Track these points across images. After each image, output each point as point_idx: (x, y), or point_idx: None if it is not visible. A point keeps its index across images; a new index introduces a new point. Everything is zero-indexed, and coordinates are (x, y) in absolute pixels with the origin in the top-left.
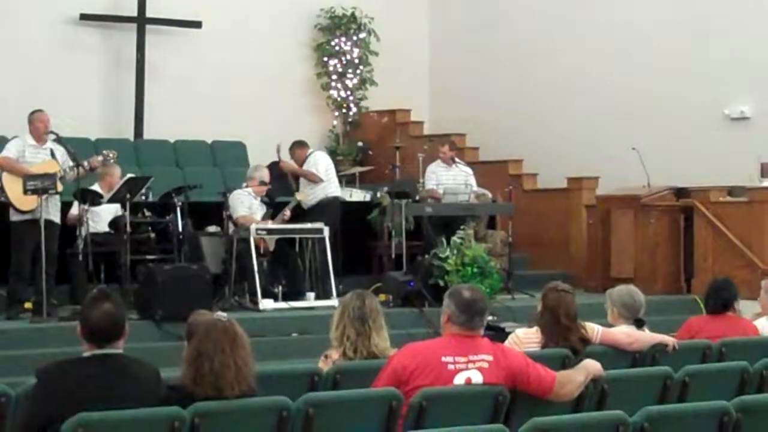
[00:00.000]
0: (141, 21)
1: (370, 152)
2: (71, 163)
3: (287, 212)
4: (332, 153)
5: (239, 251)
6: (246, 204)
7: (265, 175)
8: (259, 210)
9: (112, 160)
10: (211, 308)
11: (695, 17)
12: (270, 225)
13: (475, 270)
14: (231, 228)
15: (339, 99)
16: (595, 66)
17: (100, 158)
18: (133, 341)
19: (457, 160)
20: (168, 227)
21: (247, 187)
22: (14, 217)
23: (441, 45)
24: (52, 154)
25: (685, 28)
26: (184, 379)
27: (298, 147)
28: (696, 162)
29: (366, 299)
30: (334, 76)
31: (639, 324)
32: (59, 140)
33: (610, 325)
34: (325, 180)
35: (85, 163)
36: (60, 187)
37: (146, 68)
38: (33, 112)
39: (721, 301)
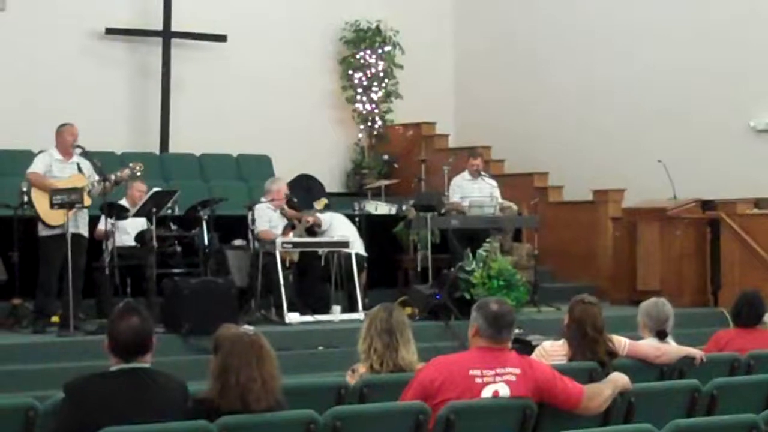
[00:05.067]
0: (166, 35)
1: (396, 165)
2: (97, 177)
3: (309, 219)
4: (357, 166)
5: (265, 264)
6: (265, 218)
7: (282, 187)
8: (279, 223)
9: (138, 173)
10: (237, 322)
11: (722, 29)
12: (295, 239)
13: (501, 283)
14: (256, 242)
15: (364, 112)
16: (621, 78)
17: (126, 171)
18: (160, 355)
19: (482, 172)
20: (194, 241)
21: (270, 200)
22: (43, 232)
23: (466, 57)
24: (79, 169)
25: (711, 40)
26: (210, 393)
27: None
28: (722, 174)
29: (393, 312)
30: (360, 90)
31: (661, 336)
32: (86, 154)
33: (639, 338)
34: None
35: (112, 177)
36: (88, 201)
37: (172, 82)
38: (62, 125)
39: (753, 314)
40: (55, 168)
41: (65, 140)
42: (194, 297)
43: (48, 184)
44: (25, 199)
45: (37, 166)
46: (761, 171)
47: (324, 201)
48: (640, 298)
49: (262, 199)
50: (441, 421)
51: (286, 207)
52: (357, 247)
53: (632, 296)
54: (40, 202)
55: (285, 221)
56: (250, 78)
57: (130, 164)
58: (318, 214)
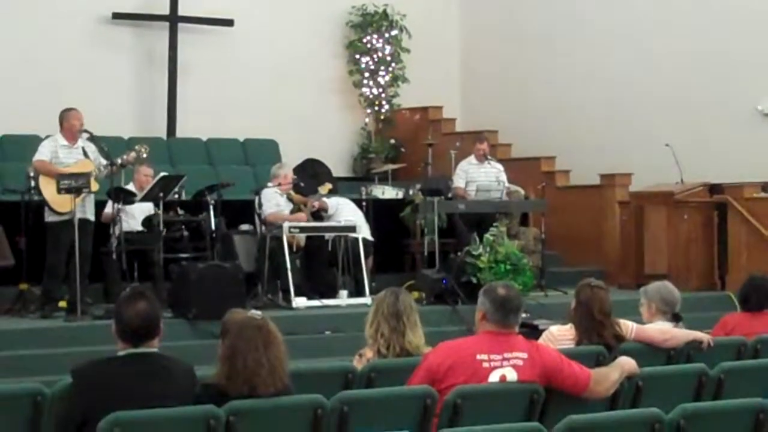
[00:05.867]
0: (173, 19)
1: (403, 149)
2: (104, 162)
3: (315, 203)
4: (364, 150)
5: (272, 249)
6: (273, 202)
7: (289, 172)
8: (287, 207)
9: (144, 155)
10: (245, 306)
11: (729, 12)
12: (302, 223)
13: (508, 267)
14: (263, 226)
15: (371, 96)
16: (628, 63)
17: (132, 154)
18: (167, 339)
19: (488, 156)
20: (201, 225)
21: (278, 185)
22: (50, 217)
23: (473, 42)
24: (85, 154)
25: (718, 24)
26: (218, 378)
27: None
28: (729, 158)
29: (400, 296)
30: (366, 74)
31: (677, 318)
32: (92, 138)
33: (644, 323)
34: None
35: (118, 161)
36: (95, 186)
37: (178, 66)
38: (68, 110)
39: (760, 298)
40: (61, 153)
41: (72, 125)
42: (201, 282)
43: (55, 171)
44: (33, 184)
45: (42, 153)
46: None
47: (329, 186)
48: (647, 283)
49: (269, 184)
50: (448, 406)
51: (292, 192)
52: (364, 231)
53: (639, 280)
54: (48, 189)
55: (292, 206)
56: (257, 62)
57: (136, 147)
58: (324, 199)
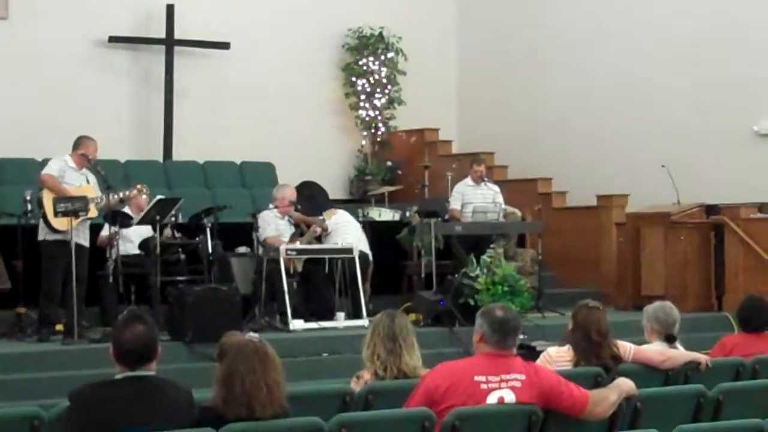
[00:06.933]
0: (169, 43)
1: (399, 172)
2: (101, 194)
3: (317, 229)
4: (361, 173)
5: (269, 272)
6: (272, 225)
7: (290, 194)
8: (286, 230)
9: (144, 195)
10: (242, 329)
11: (725, 33)
12: (299, 245)
13: (506, 289)
14: (261, 249)
15: (367, 119)
16: (624, 83)
17: (134, 191)
18: (164, 362)
19: (485, 178)
20: (198, 248)
21: (275, 207)
22: (47, 236)
23: (469, 63)
24: (87, 180)
25: (714, 44)
26: (215, 400)
27: None
28: (726, 179)
29: (396, 318)
30: (363, 96)
31: (670, 340)
32: (90, 167)
33: (643, 343)
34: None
35: (120, 194)
36: (94, 213)
37: (175, 90)
38: (87, 138)
39: (760, 319)
40: (67, 175)
41: (89, 152)
42: (198, 305)
43: (62, 189)
44: (29, 207)
45: (52, 168)
46: (765, 175)
47: (333, 212)
48: (644, 304)
49: (270, 206)
50: (446, 428)
51: (292, 213)
52: (362, 245)
53: (636, 301)
54: (50, 205)
55: (292, 229)
56: (253, 85)
57: (138, 186)
58: (326, 221)
